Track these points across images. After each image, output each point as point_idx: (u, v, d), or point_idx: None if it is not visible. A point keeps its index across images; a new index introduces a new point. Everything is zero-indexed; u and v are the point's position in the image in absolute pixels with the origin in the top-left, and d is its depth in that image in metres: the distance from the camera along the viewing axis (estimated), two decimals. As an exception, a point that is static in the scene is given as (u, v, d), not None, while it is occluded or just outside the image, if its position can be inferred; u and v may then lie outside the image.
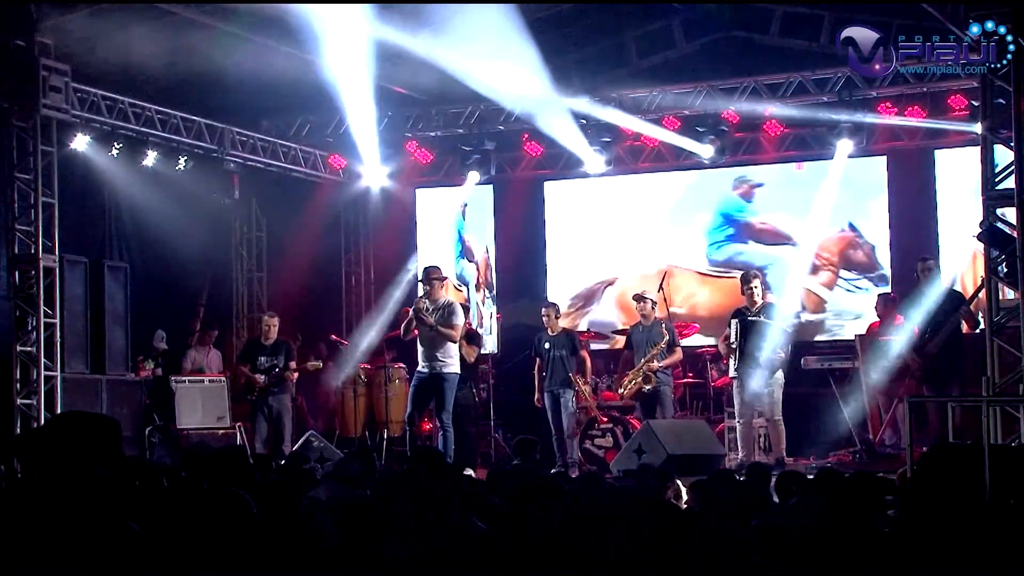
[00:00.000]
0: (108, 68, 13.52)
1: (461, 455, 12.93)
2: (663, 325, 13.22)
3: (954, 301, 11.98)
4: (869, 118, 14.22)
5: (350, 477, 7.77)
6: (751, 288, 12.57)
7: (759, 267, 14.05)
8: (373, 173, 16.54)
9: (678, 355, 13.37)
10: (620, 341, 14.63)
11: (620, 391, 13.47)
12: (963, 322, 12.09)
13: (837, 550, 4.55)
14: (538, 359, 13.56)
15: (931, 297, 12.19)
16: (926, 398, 11.82)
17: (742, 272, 13.40)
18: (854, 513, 4.79)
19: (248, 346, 14.33)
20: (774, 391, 12.29)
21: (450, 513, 5.80)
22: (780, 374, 12.37)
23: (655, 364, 13.00)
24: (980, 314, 11.52)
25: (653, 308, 13.30)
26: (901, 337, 12.48)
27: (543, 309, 13.73)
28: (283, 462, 11.46)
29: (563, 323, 14.14)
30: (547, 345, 13.40)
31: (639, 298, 13.41)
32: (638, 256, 16.28)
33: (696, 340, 14.83)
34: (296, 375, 14.00)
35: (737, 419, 12.59)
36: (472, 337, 14.03)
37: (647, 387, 12.98)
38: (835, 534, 4.65)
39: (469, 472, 12.44)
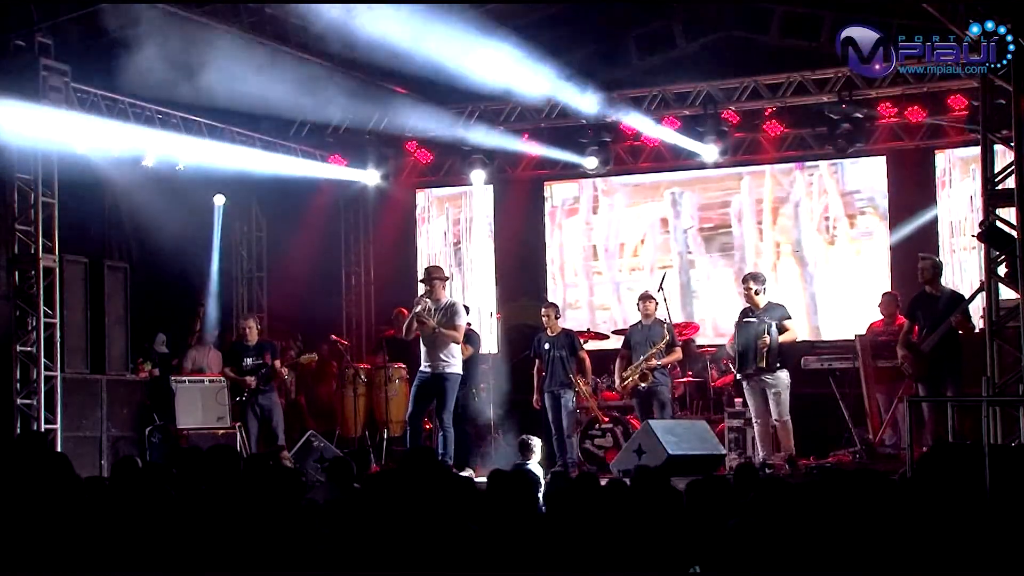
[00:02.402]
0: (108, 68, 13.51)
1: (461, 455, 12.93)
2: (663, 325, 13.23)
3: (953, 303, 11.95)
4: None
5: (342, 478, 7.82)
6: (746, 289, 12.63)
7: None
8: (373, 173, 16.53)
9: (677, 354, 13.38)
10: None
11: (616, 386, 13.50)
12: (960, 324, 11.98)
13: (834, 550, 4.55)
14: (537, 360, 13.56)
15: (931, 294, 12.16)
16: (926, 399, 11.80)
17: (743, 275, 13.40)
18: (852, 512, 4.78)
19: (232, 348, 14.32)
20: (780, 391, 12.30)
21: (444, 513, 5.81)
22: (783, 374, 12.35)
23: (654, 362, 13.02)
24: (980, 317, 11.48)
25: (656, 308, 13.33)
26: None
27: (543, 309, 13.72)
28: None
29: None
30: (547, 346, 13.39)
31: (646, 297, 13.42)
32: (639, 258, 16.33)
33: (696, 340, 14.84)
34: (286, 371, 14.05)
35: (754, 419, 12.57)
36: (468, 337, 13.98)
37: (643, 385, 13.00)
38: (832, 533, 4.64)
39: (469, 472, 12.48)
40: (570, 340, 13.46)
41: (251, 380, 13.58)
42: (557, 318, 13.65)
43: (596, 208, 16.64)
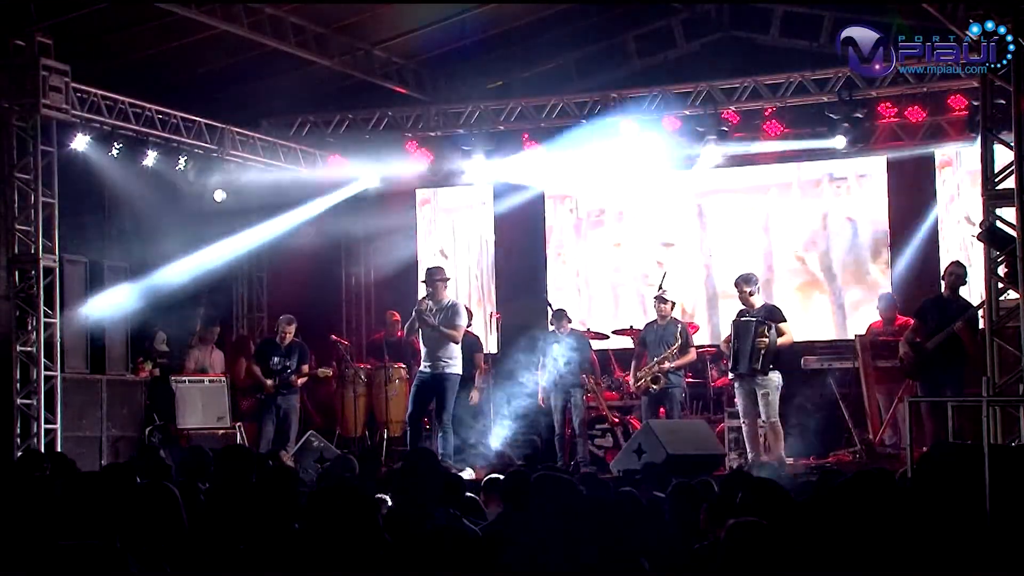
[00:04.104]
0: (108, 68, 13.52)
1: (461, 455, 12.94)
2: (678, 326, 13.24)
3: (961, 309, 11.94)
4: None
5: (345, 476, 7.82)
6: (739, 292, 12.67)
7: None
8: (372, 173, 16.51)
9: (691, 356, 13.36)
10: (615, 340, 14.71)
11: (631, 386, 13.48)
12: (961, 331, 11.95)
13: (834, 550, 4.55)
14: (541, 358, 13.57)
15: (948, 299, 12.14)
16: (926, 399, 11.78)
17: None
18: (853, 513, 4.78)
19: (263, 345, 14.36)
20: (769, 393, 12.30)
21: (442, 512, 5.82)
22: (775, 375, 12.35)
23: (667, 364, 13.02)
24: (981, 316, 11.46)
25: (672, 308, 13.33)
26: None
27: (550, 313, 13.77)
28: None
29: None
30: (554, 346, 13.41)
31: (660, 299, 13.40)
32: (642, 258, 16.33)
33: (697, 340, 14.80)
34: (303, 380, 14.01)
35: (742, 419, 12.58)
36: (472, 342, 13.92)
37: (655, 387, 12.99)
38: (832, 534, 4.65)
39: (469, 472, 12.48)
40: (578, 340, 13.48)
41: (271, 385, 13.58)
42: (568, 321, 13.70)
43: (622, 218, 16.56)
